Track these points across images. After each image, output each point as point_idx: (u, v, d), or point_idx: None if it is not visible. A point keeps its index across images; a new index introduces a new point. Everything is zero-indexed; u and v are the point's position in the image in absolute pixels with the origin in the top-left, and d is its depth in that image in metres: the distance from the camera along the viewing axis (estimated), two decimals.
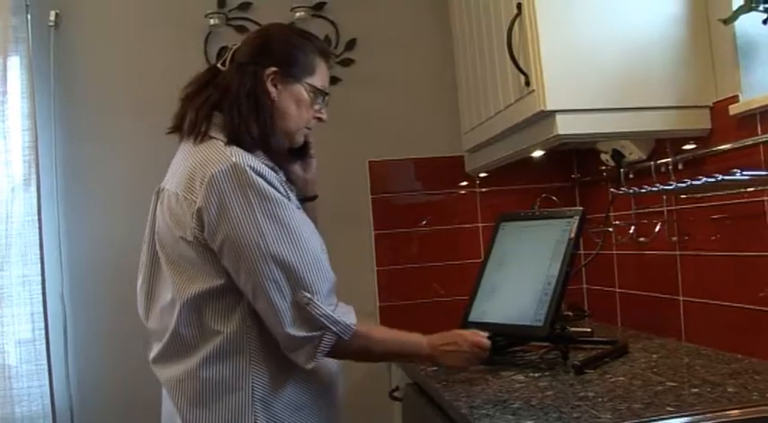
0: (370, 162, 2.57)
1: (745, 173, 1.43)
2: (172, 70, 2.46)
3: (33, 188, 2.35)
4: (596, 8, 1.75)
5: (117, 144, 2.50)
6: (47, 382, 2.31)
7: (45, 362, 2.32)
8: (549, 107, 1.72)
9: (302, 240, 1.38)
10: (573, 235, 1.80)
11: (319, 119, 1.57)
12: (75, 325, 2.45)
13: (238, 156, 1.36)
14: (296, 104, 1.51)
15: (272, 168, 1.43)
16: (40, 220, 2.35)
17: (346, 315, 1.41)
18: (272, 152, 1.48)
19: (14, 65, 2.36)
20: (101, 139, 2.50)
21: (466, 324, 1.91)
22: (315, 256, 1.40)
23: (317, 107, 1.55)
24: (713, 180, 1.46)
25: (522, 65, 1.79)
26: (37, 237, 2.34)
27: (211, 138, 1.42)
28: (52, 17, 2.46)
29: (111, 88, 2.51)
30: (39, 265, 2.34)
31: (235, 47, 1.53)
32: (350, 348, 1.42)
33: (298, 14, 2.50)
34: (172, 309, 1.41)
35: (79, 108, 2.49)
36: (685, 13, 1.78)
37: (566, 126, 1.73)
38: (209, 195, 1.33)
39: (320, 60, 1.56)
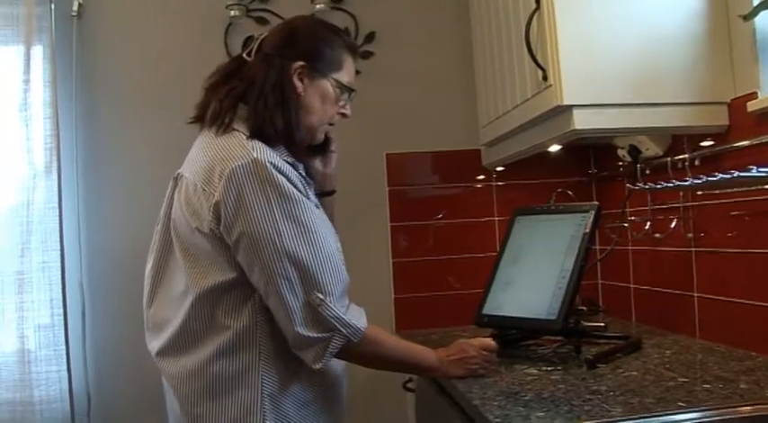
0: (387, 154, 2.57)
1: (761, 170, 1.43)
2: (192, 60, 2.52)
3: (54, 176, 2.37)
4: (615, 3, 1.75)
5: (137, 133, 2.52)
6: (65, 366, 2.35)
7: (63, 347, 2.35)
8: (566, 102, 1.72)
9: (318, 240, 1.38)
10: (588, 230, 1.81)
11: (343, 114, 1.57)
12: (93, 311, 2.48)
13: (260, 151, 1.36)
14: (321, 100, 1.50)
15: (292, 164, 1.43)
16: (60, 207, 2.38)
17: (357, 318, 1.41)
18: (294, 146, 1.47)
19: (37, 54, 2.38)
20: (121, 128, 2.52)
21: (480, 316, 1.93)
22: (330, 256, 1.39)
23: (341, 103, 1.55)
24: (729, 177, 1.46)
25: (539, 59, 1.79)
26: (57, 224, 2.37)
27: (234, 130, 1.41)
28: (75, 7, 2.48)
29: (131, 78, 2.53)
30: (59, 252, 2.36)
31: (261, 37, 1.53)
32: (358, 352, 1.43)
33: (318, 6, 2.50)
34: (183, 300, 1.42)
35: (100, 97, 2.51)
36: (704, 8, 1.77)
37: (582, 121, 1.73)
38: (227, 190, 1.32)
39: (348, 56, 1.55)
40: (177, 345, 1.43)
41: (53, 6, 2.40)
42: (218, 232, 1.35)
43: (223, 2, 2.50)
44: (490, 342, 1.64)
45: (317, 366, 1.38)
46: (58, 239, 2.37)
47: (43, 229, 2.36)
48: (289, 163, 1.41)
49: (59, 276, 2.37)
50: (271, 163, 1.34)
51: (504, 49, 2.10)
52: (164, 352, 1.45)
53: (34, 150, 2.38)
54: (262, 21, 2.55)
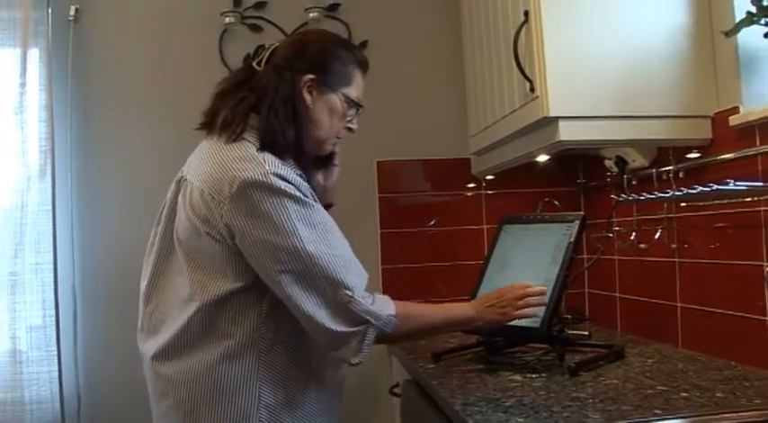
0: (378, 162, 2.61)
1: (738, 183, 1.46)
2: (187, 66, 2.55)
3: (48, 179, 2.39)
4: (602, 18, 1.78)
5: (131, 137, 2.55)
6: (56, 367, 2.36)
7: (55, 348, 2.36)
8: (552, 113, 1.75)
9: (336, 240, 1.40)
10: (572, 239, 1.83)
11: (349, 129, 1.58)
12: (85, 313, 2.50)
13: (271, 163, 1.36)
14: (329, 114, 1.51)
15: (299, 176, 1.43)
16: (54, 209, 2.39)
17: (385, 306, 1.43)
18: (302, 158, 1.47)
19: (34, 57, 2.40)
20: (115, 133, 2.54)
21: None
22: (349, 254, 1.42)
23: (348, 118, 1.56)
24: (708, 190, 1.49)
25: (527, 71, 1.82)
26: (50, 226, 2.38)
27: (244, 139, 1.41)
28: (72, 12, 2.51)
29: (126, 83, 2.55)
30: (51, 254, 2.38)
31: (272, 47, 1.53)
32: (398, 334, 1.46)
33: (312, 15, 2.54)
34: (187, 305, 1.41)
35: (95, 101, 2.53)
36: (690, 24, 1.80)
37: (568, 132, 1.76)
38: (239, 202, 1.33)
39: (357, 71, 1.56)
40: (175, 348, 1.41)
41: (50, 11, 2.42)
42: (230, 243, 1.36)
43: (218, 9, 2.53)
44: (526, 284, 1.67)
45: (357, 360, 1.39)
46: (51, 241, 2.39)
47: (37, 231, 2.38)
48: (298, 174, 1.42)
49: (52, 278, 2.38)
50: (280, 175, 1.35)
51: (494, 60, 2.14)
52: (160, 355, 1.44)
53: (29, 153, 2.40)
54: (256, 28, 2.58)
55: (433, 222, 2.61)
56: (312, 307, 1.35)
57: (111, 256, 2.50)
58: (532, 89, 1.80)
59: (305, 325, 1.39)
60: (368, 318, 1.38)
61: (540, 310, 1.70)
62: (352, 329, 1.37)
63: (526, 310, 1.64)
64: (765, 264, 1.61)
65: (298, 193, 1.36)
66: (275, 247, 1.33)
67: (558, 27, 1.76)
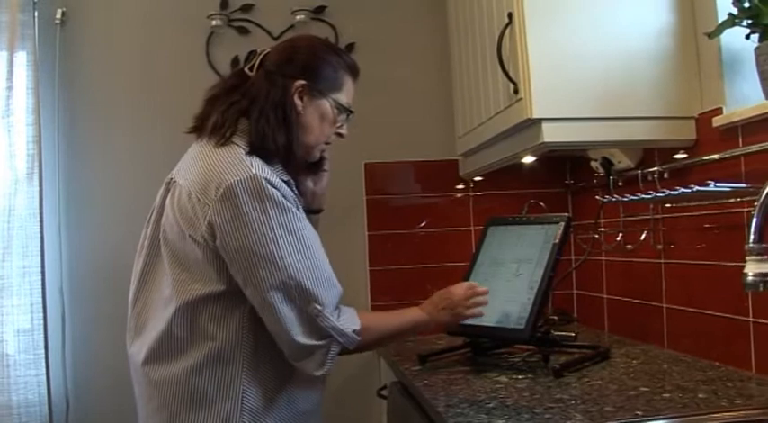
0: (365, 164, 2.60)
1: (719, 185, 1.46)
2: (174, 69, 2.55)
3: (36, 182, 2.38)
4: (585, 19, 1.78)
5: (119, 140, 2.54)
6: (44, 371, 2.36)
7: (43, 351, 2.36)
8: (536, 115, 1.74)
9: (315, 253, 1.41)
10: (557, 241, 1.84)
11: (339, 135, 1.59)
12: (73, 316, 2.49)
13: (258, 168, 1.37)
14: (319, 120, 1.52)
15: (287, 182, 1.44)
16: (41, 213, 2.39)
17: (351, 322, 1.44)
18: (291, 164, 1.49)
19: (21, 61, 2.40)
20: (103, 136, 2.54)
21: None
22: (325, 269, 1.42)
23: (338, 123, 1.57)
24: (689, 191, 1.49)
25: (511, 73, 1.82)
26: (38, 229, 2.38)
27: (233, 144, 1.42)
28: (59, 15, 2.50)
29: (113, 85, 2.55)
30: (39, 258, 2.37)
31: (264, 53, 1.54)
32: (359, 347, 1.47)
33: (298, 17, 2.53)
34: (167, 306, 1.42)
35: (82, 104, 2.53)
36: (673, 25, 1.80)
37: (551, 134, 1.76)
38: (223, 205, 1.34)
39: (348, 77, 1.57)
40: (160, 352, 1.42)
41: (37, 14, 2.42)
42: (212, 246, 1.36)
43: (205, 11, 2.53)
44: (471, 284, 1.72)
45: (320, 372, 1.40)
46: (39, 245, 2.38)
47: (24, 235, 2.37)
48: (284, 181, 1.43)
49: (39, 281, 2.38)
50: (267, 179, 1.36)
51: (479, 61, 2.14)
52: (148, 359, 1.44)
53: (16, 156, 2.39)
54: (243, 31, 2.57)
55: (420, 224, 2.61)
56: (281, 316, 1.36)
57: (99, 258, 2.50)
58: (516, 91, 1.80)
59: (271, 331, 1.39)
60: (333, 334, 1.40)
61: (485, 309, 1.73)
62: (316, 343, 1.39)
63: (474, 310, 1.68)
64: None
65: (282, 200, 1.37)
66: (253, 253, 1.34)
67: (542, 29, 1.76)
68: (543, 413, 1.38)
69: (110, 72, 2.56)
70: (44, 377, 2.36)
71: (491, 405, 1.46)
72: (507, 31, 1.83)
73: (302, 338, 1.37)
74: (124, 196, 2.50)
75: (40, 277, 2.38)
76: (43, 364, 2.36)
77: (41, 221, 2.39)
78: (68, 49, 2.53)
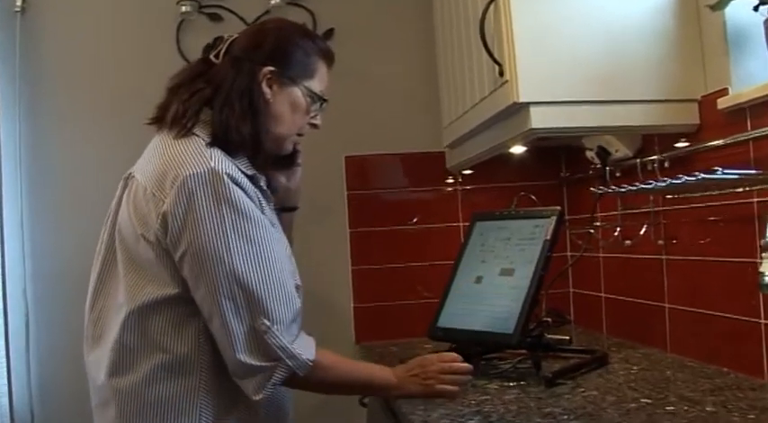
0: (346, 157, 2.47)
1: (726, 171, 1.31)
2: (142, 59, 2.45)
3: None
4: None
5: (83, 134, 2.41)
6: (5, 381, 2.24)
7: (4, 360, 2.25)
8: (523, 99, 1.60)
9: (271, 263, 1.29)
10: (549, 237, 1.71)
11: (313, 125, 1.50)
12: (38, 322, 2.36)
13: (218, 161, 1.27)
14: (291, 109, 1.43)
15: (252, 176, 1.35)
16: (0, 211, 2.27)
17: (305, 349, 1.30)
18: (259, 157, 1.39)
19: None
20: (67, 129, 2.41)
21: (434, 329, 1.81)
22: (282, 282, 1.29)
23: (312, 113, 1.47)
24: (693, 179, 1.34)
25: (495, 54, 1.67)
26: None
27: (194, 135, 1.33)
28: (18, 3, 2.38)
29: (77, 76, 2.42)
30: None
31: (230, 39, 1.45)
32: (307, 382, 1.32)
33: (274, 2, 2.40)
34: (118, 313, 1.33)
35: (45, 97, 2.41)
36: (672, 0, 1.66)
37: (540, 119, 1.62)
38: (178, 199, 1.24)
39: (321, 63, 1.47)
40: (115, 362, 1.32)
41: None
42: (164, 243, 1.27)
43: None
44: (454, 358, 1.47)
45: (257, 397, 1.27)
46: (0, 245, 2.26)
47: None
48: (249, 176, 1.34)
49: (0, 284, 2.26)
50: (228, 174, 1.26)
51: (464, 43, 1.99)
52: (104, 370, 1.34)
53: None
54: (215, 17, 2.44)
55: (406, 220, 2.47)
56: (226, 327, 1.25)
57: (66, 259, 2.36)
58: (502, 73, 1.66)
59: (216, 340, 1.28)
60: (281, 355, 1.26)
61: (464, 390, 1.49)
62: (260, 364, 1.25)
63: (448, 388, 1.43)
64: (759, 260, 1.46)
65: (242, 203, 1.27)
66: (203, 252, 1.24)
67: (529, 4, 1.62)
68: None
69: (73, 62, 2.43)
70: (5, 388, 2.25)
71: (473, 421, 1.32)
72: (492, 7, 1.68)
73: (245, 357, 1.25)
74: (90, 192, 2.34)
75: (0, 279, 2.26)
76: (5, 373, 2.25)
77: (1, 221, 2.27)
78: (29, 38, 2.41)
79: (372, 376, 1.45)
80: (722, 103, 1.55)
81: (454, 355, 1.49)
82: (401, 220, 2.47)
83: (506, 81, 1.64)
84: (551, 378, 1.55)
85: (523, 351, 1.73)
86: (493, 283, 1.76)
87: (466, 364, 1.45)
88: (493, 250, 1.82)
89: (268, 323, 1.25)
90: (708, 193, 1.62)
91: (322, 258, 2.35)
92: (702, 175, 1.33)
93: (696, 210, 1.69)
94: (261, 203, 1.34)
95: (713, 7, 1.49)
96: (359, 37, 2.47)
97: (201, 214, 1.23)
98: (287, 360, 1.26)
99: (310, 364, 1.28)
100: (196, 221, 1.23)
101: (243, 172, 1.32)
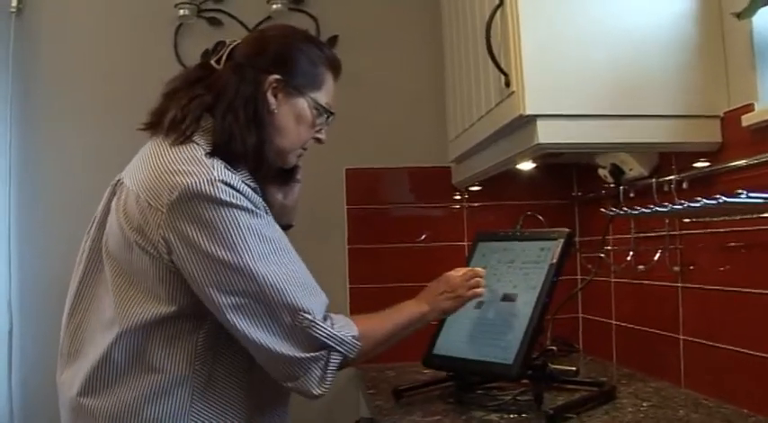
0: (347, 170, 2.38)
1: (752, 195, 1.19)
2: (138, 63, 2.38)
3: None
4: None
5: (76, 139, 2.35)
6: None
7: None
8: (529, 111, 1.50)
9: (291, 258, 1.26)
10: (555, 261, 1.60)
11: (318, 140, 1.43)
12: (22, 333, 2.30)
13: (219, 170, 1.22)
14: (295, 121, 1.37)
15: (254, 190, 1.28)
16: None
17: (348, 328, 1.28)
18: (260, 170, 1.33)
19: None
20: (61, 134, 2.35)
21: (430, 357, 1.70)
22: (305, 273, 1.28)
23: (317, 127, 1.41)
24: (714, 203, 1.22)
25: (502, 63, 1.57)
26: None
27: (193, 142, 1.27)
28: (14, 3, 2.34)
29: (72, 79, 2.37)
30: None
31: (233, 44, 1.39)
32: (360, 355, 1.30)
33: (275, 7, 2.32)
34: (108, 329, 1.25)
35: (38, 100, 2.35)
36: (694, 7, 1.56)
37: (548, 134, 1.51)
38: (181, 211, 1.18)
39: (329, 74, 1.42)
40: (96, 380, 1.25)
41: None
42: (166, 259, 1.20)
43: (172, 0, 2.33)
44: (473, 268, 1.57)
45: (321, 391, 1.24)
46: None
47: None
48: (251, 187, 1.27)
49: None
50: (229, 183, 1.20)
51: (471, 53, 1.89)
52: (82, 390, 1.26)
53: None
54: (215, 22, 2.38)
55: (408, 238, 2.37)
56: (264, 335, 1.20)
57: (53, 270, 2.25)
58: (508, 84, 1.55)
59: (256, 356, 1.23)
60: (331, 343, 1.23)
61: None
62: (313, 354, 1.22)
63: (476, 290, 1.53)
64: None
65: (248, 205, 1.22)
66: (219, 263, 1.18)
67: (538, 10, 1.52)
68: None
69: (68, 65, 2.38)
70: None
71: None
72: (498, 13, 1.58)
73: (296, 352, 1.21)
74: (80, 201, 2.22)
75: None
76: None
77: None
78: (24, 39, 2.36)
79: (409, 316, 1.46)
80: (747, 119, 1.45)
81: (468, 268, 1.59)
82: (403, 237, 2.38)
83: (512, 92, 1.54)
84: (553, 414, 1.43)
85: (525, 381, 1.62)
86: (494, 309, 1.65)
87: (479, 269, 1.56)
88: (495, 273, 1.71)
89: (310, 317, 1.21)
90: (729, 218, 1.50)
91: (317, 276, 2.24)
92: (724, 199, 1.21)
93: (716, 235, 1.58)
94: (266, 211, 1.28)
95: (739, 15, 1.37)
96: (364, 44, 2.40)
97: (210, 221, 1.18)
98: (338, 347, 1.24)
99: (358, 343, 1.27)
100: (204, 230, 1.17)
101: (246, 185, 1.25)
